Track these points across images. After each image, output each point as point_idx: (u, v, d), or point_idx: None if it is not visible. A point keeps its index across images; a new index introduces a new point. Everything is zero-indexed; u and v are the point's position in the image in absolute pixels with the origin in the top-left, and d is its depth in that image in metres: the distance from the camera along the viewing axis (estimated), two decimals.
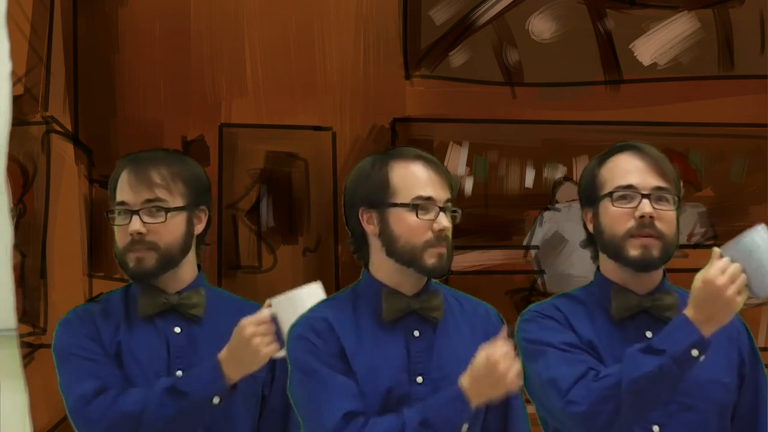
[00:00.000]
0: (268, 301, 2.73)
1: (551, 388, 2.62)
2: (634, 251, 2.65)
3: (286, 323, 2.68)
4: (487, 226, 3.98)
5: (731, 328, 2.67)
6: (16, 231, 3.85)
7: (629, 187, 2.67)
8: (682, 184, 2.78)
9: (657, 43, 4.03)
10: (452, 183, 2.80)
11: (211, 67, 3.90)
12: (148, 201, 2.81)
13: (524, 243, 4.00)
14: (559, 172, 4.01)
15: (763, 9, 4.06)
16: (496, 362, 2.52)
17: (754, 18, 4.07)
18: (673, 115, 4.03)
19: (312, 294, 2.74)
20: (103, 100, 3.87)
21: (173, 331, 2.83)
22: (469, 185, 3.97)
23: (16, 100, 3.84)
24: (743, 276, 2.51)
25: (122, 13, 3.87)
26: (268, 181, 3.92)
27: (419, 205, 2.70)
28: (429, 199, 2.70)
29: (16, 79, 3.84)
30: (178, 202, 2.84)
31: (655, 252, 2.65)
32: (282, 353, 2.71)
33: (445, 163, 3.89)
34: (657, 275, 2.72)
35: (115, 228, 2.85)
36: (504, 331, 2.60)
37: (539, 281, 3.98)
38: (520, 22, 4.00)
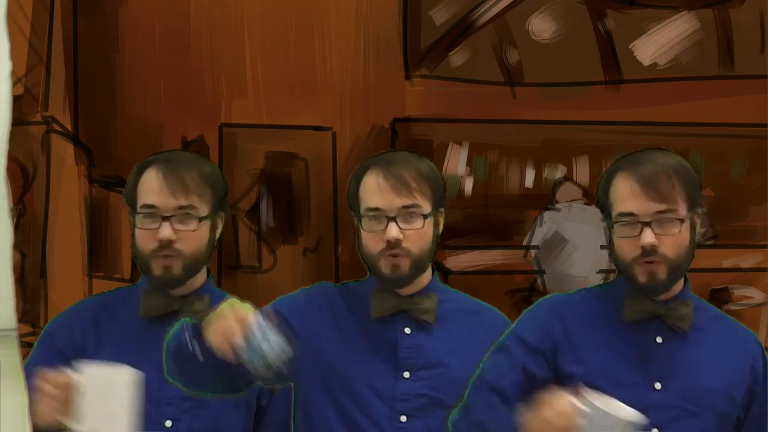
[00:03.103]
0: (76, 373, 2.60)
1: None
2: (641, 277, 2.65)
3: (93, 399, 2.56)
4: (487, 226, 3.98)
5: (747, 343, 2.68)
6: (16, 231, 3.85)
7: (630, 215, 2.64)
8: (701, 189, 2.73)
9: (657, 43, 4.03)
10: (434, 182, 2.81)
11: (211, 67, 3.90)
12: (181, 208, 2.76)
13: (524, 243, 4.00)
14: (559, 172, 4.01)
15: (763, 9, 4.06)
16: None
17: (754, 18, 4.06)
18: (673, 115, 4.03)
19: (122, 380, 2.59)
20: (103, 100, 3.87)
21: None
22: (469, 185, 3.97)
23: (16, 100, 3.84)
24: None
25: (122, 13, 3.87)
26: (268, 181, 3.92)
27: (367, 217, 2.77)
28: (377, 209, 2.76)
29: (16, 79, 3.84)
30: (206, 209, 2.80)
31: (662, 276, 2.64)
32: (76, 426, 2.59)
33: (445, 163, 3.92)
34: (678, 283, 2.70)
35: (138, 232, 2.78)
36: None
37: (539, 281, 3.98)
38: (520, 22, 4.00)
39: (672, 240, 2.62)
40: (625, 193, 2.65)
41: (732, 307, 3.87)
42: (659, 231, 2.62)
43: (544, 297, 2.82)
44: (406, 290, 2.81)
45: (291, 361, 2.53)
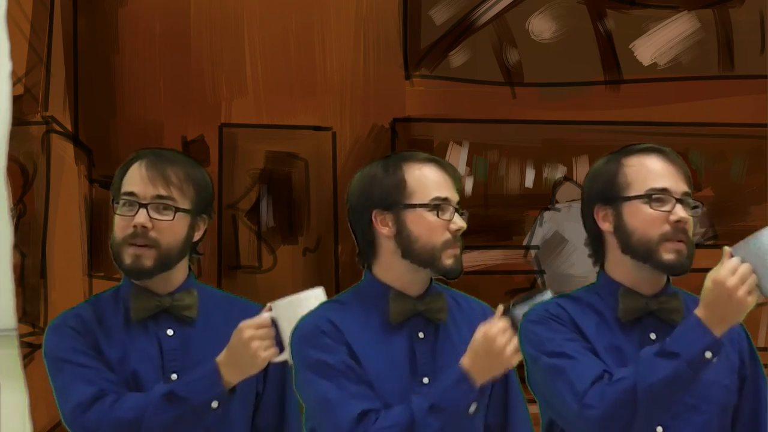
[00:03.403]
0: (269, 305, 2.71)
1: (566, 390, 2.60)
2: (668, 255, 2.62)
3: (287, 327, 2.66)
4: (487, 226, 3.98)
5: (731, 330, 2.67)
6: (16, 231, 3.85)
7: (664, 190, 2.62)
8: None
9: (657, 43, 4.03)
10: (459, 185, 2.81)
11: (211, 67, 3.90)
12: (159, 197, 2.75)
13: (524, 243, 4.00)
14: (559, 172, 4.01)
15: (763, 9, 4.06)
16: (493, 338, 2.54)
17: (754, 18, 4.07)
18: (673, 115, 4.02)
19: (314, 298, 2.71)
20: (103, 100, 3.87)
21: (166, 333, 2.79)
22: (469, 185, 3.97)
23: (16, 100, 3.84)
24: (754, 276, 2.48)
25: (122, 13, 3.87)
26: (268, 181, 3.92)
27: (438, 206, 2.71)
28: (446, 199, 2.72)
29: (16, 79, 3.84)
30: (186, 204, 2.79)
31: (686, 257, 2.63)
32: (281, 357, 2.69)
33: None
34: (662, 277, 2.70)
35: (117, 217, 2.78)
36: (499, 310, 2.60)
37: (539, 281, 3.98)
38: (520, 22, 4.00)
39: (692, 223, 2.64)
40: (658, 170, 2.64)
41: None
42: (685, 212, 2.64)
43: (534, 310, 2.77)
44: (419, 289, 2.78)
45: None
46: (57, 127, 3.85)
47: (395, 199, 2.73)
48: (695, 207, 2.66)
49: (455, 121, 3.98)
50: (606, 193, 2.69)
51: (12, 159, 3.84)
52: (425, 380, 2.70)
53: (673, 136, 3.97)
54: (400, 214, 2.72)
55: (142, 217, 2.74)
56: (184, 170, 2.80)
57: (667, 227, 2.61)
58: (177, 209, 2.76)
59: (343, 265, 3.88)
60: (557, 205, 4.00)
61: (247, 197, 3.91)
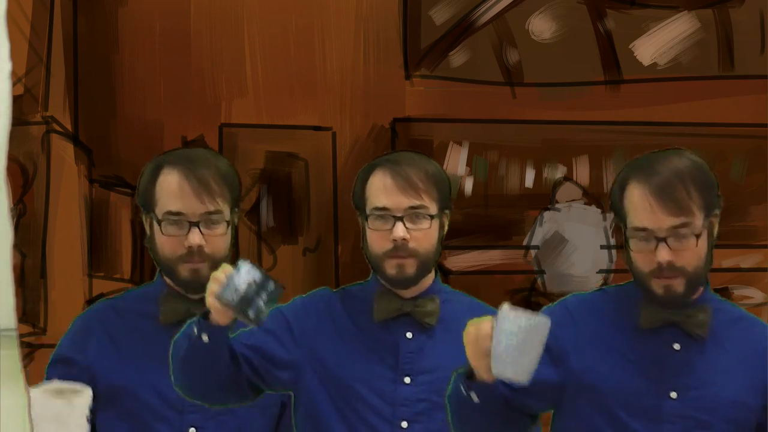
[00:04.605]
0: None
1: None
2: (658, 290, 2.56)
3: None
4: (487, 226, 3.98)
5: (764, 343, 2.61)
6: (16, 231, 3.84)
7: (644, 230, 2.54)
8: (718, 189, 2.65)
9: (657, 43, 4.03)
10: (441, 184, 2.79)
11: (211, 67, 3.90)
12: (208, 213, 2.73)
13: (524, 243, 4.00)
14: (559, 172, 4.01)
15: (763, 9, 4.06)
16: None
17: (754, 18, 4.06)
18: (673, 115, 4.02)
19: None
20: (103, 100, 3.87)
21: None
22: (469, 185, 3.97)
23: (16, 100, 3.83)
24: (487, 345, 2.42)
25: (122, 13, 3.87)
26: (268, 181, 3.92)
27: (373, 216, 2.75)
28: (383, 209, 2.73)
29: (16, 79, 3.83)
30: (228, 209, 2.78)
31: (679, 289, 2.56)
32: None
33: (445, 163, 3.91)
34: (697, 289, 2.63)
35: (162, 238, 2.74)
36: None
37: (539, 281, 3.98)
38: (520, 22, 3.99)
39: (689, 254, 2.54)
40: (640, 206, 2.55)
41: None
42: (676, 245, 2.53)
43: (563, 299, 2.73)
44: (409, 292, 2.80)
45: (267, 292, 2.53)
46: (57, 127, 3.85)
47: (358, 206, 2.81)
48: (692, 235, 2.53)
49: (455, 121, 3.98)
50: (616, 213, 2.66)
51: (12, 159, 3.83)
52: (407, 380, 2.71)
53: (673, 136, 3.97)
54: (362, 221, 2.80)
55: (197, 237, 2.72)
56: (218, 171, 2.76)
57: (655, 264, 2.55)
58: (227, 222, 2.75)
59: (343, 265, 3.88)
60: (557, 205, 4.00)
61: (247, 197, 3.91)
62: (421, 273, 2.77)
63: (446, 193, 2.81)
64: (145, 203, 2.78)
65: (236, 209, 2.83)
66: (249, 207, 3.91)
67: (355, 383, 2.74)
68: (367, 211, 2.76)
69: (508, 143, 4.00)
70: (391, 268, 2.73)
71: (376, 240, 2.75)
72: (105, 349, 2.83)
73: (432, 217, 2.75)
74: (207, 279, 2.66)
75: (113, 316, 2.85)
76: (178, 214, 2.72)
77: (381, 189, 2.74)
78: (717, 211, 2.62)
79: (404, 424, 2.75)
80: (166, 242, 2.74)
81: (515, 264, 4.00)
